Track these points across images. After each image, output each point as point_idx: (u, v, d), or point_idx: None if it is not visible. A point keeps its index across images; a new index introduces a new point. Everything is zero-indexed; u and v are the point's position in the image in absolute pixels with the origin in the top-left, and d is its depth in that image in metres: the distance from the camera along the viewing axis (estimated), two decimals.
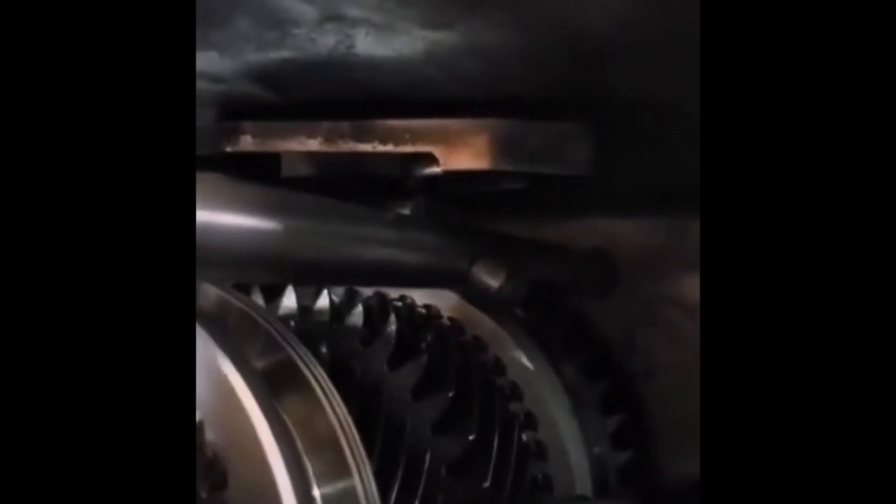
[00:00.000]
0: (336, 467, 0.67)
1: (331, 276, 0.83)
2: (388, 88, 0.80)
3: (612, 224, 1.33)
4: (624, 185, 1.16)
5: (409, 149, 0.83)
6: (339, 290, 1.02)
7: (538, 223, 1.30)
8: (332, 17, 0.68)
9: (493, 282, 0.85)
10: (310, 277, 0.83)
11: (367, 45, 0.72)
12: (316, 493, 0.65)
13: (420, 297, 1.08)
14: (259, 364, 0.69)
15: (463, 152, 0.82)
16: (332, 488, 0.66)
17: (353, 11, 0.67)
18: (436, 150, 0.83)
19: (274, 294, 0.91)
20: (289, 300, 0.91)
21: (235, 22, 0.72)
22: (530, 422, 1.00)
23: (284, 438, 0.63)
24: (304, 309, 0.89)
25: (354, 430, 0.69)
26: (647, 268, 1.37)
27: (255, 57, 0.78)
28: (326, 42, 0.72)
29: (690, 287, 1.37)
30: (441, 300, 1.08)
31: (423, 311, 1.04)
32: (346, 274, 0.80)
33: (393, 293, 1.08)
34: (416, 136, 0.83)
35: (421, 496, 0.76)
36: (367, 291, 1.04)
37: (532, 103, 0.83)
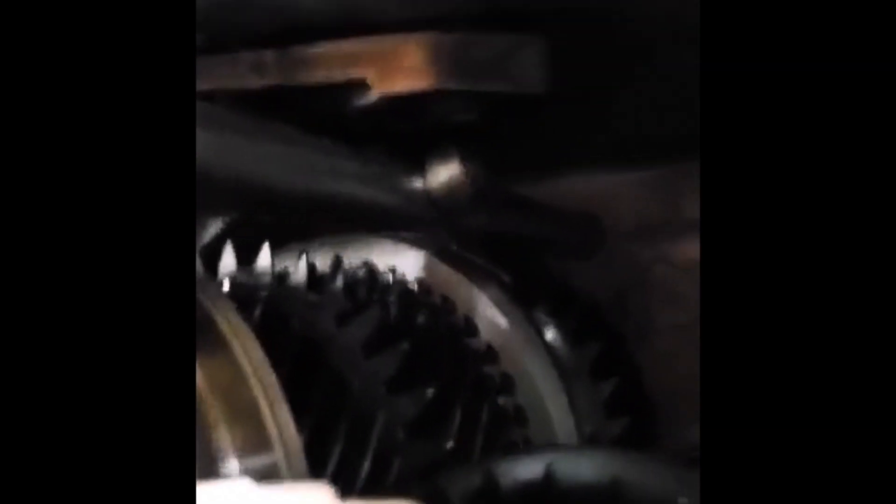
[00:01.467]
0: (255, 439, 0.58)
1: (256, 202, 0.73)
2: (300, 4, 0.71)
3: (595, 179, 1.25)
4: (600, 130, 1.07)
5: (339, 77, 0.74)
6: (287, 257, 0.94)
7: (513, 182, 1.22)
8: None
9: (445, 172, 0.75)
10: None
11: None
12: (230, 467, 0.56)
13: (385, 260, 1.01)
14: None
15: (399, 74, 0.73)
16: (251, 463, 0.57)
17: None
18: (369, 74, 0.73)
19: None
20: (227, 259, 0.83)
21: None
22: (507, 385, 0.91)
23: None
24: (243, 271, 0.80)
25: (281, 397, 0.60)
26: (637, 226, 1.29)
27: None
28: None
29: (685, 245, 1.28)
30: (410, 261, 1.01)
31: (388, 273, 0.96)
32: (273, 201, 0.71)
33: (355, 259, 1.00)
34: (348, 61, 0.74)
35: (373, 459, 0.67)
36: (326, 259, 0.97)
37: (469, 10, 0.73)
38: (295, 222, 0.86)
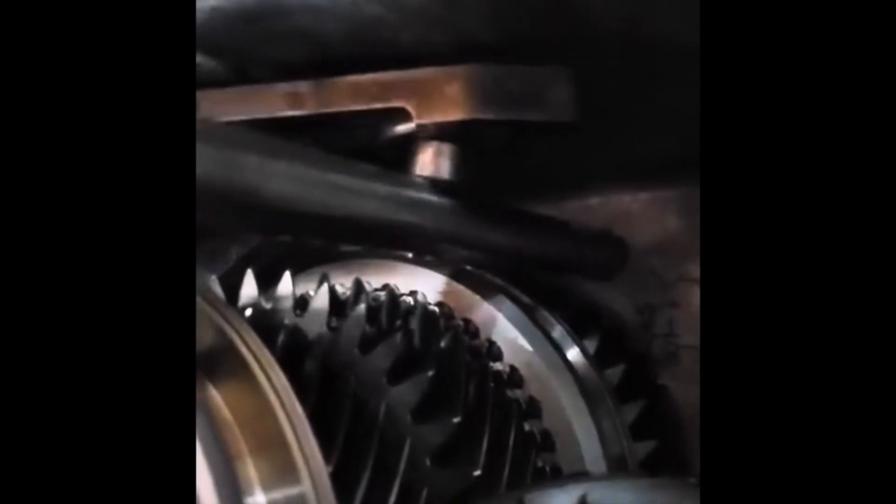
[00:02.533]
0: (283, 471, 0.57)
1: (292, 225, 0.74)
2: (332, 34, 0.71)
3: (618, 198, 1.24)
4: (625, 151, 1.07)
5: (379, 105, 0.74)
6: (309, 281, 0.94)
7: (538, 202, 1.21)
8: None
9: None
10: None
11: None
12: (257, 500, 0.55)
13: (407, 284, 1.00)
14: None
15: (437, 103, 0.74)
16: (279, 495, 0.56)
17: None
18: (408, 105, 0.74)
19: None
20: (249, 286, 0.82)
21: None
22: (533, 409, 0.90)
23: (211, 438, 0.54)
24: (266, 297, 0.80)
25: (308, 428, 0.59)
26: (660, 245, 1.27)
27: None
28: None
29: None
30: (431, 285, 1.00)
31: (408, 297, 0.95)
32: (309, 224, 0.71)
33: (377, 282, 1.00)
34: (385, 90, 0.75)
35: (400, 489, 0.66)
36: (348, 283, 0.96)
37: (501, 43, 0.74)
38: (327, 240, 0.86)
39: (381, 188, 0.74)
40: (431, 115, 0.73)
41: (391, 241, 0.87)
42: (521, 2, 0.69)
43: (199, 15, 0.70)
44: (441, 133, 0.74)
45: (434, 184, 0.78)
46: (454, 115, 0.73)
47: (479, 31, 0.71)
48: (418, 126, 0.74)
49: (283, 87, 0.75)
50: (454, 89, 0.72)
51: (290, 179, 0.66)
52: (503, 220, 0.94)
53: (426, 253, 0.97)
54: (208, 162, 0.60)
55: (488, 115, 0.73)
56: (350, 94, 0.74)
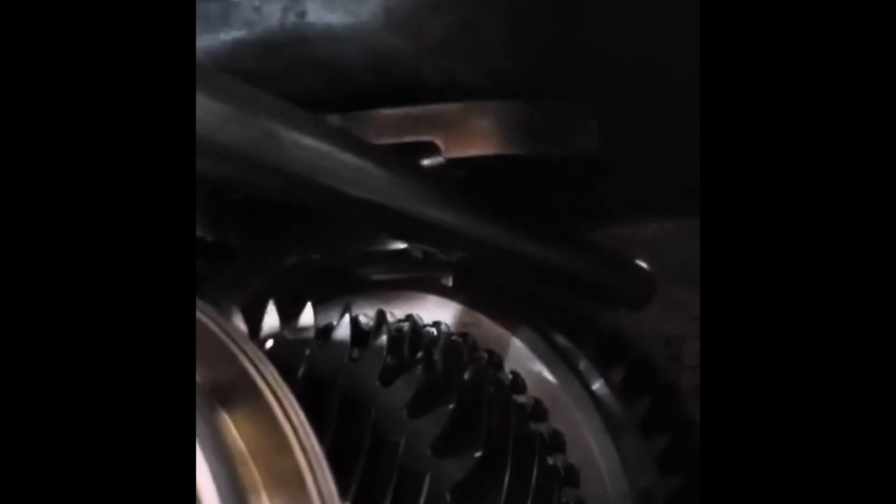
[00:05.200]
0: None
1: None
2: (354, 64, 0.71)
3: (644, 227, 1.23)
4: (651, 179, 1.06)
5: (408, 139, 0.75)
6: (331, 310, 0.93)
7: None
8: None
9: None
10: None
11: (318, 9, 0.64)
12: None
13: (430, 314, 0.99)
14: (207, 381, 0.59)
15: (466, 138, 0.76)
16: None
17: None
18: (436, 138, 0.75)
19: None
20: (270, 319, 0.82)
21: None
22: (557, 443, 0.89)
23: (225, 473, 0.53)
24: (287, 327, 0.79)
25: (325, 464, 0.59)
26: (689, 273, 1.25)
27: (204, 41, 0.70)
28: (272, 11, 0.64)
29: None
30: (454, 316, 0.99)
31: (431, 328, 0.94)
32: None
33: (400, 313, 0.99)
34: (414, 125, 0.76)
35: None
36: (370, 313, 0.96)
37: (523, 74, 0.74)
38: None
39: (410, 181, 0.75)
40: (460, 149, 0.74)
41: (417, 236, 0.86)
42: (540, 31, 0.69)
43: (222, 45, 0.70)
44: (470, 167, 0.75)
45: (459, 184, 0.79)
46: (483, 149, 0.74)
47: (501, 61, 0.72)
48: (447, 160, 0.74)
49: None
50: (483, 124, 0.74)
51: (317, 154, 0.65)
52: (528, 229, 0.93)
53: (445, 250, 0.96)
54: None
55: (516, 150, 0.73)
56: (380, 127, 0.75)
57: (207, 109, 0.50)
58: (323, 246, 1.01)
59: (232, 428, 0.59)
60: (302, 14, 0.64)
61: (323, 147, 0.59)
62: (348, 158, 0.61)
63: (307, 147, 0.57)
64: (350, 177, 0.63)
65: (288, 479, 0.57)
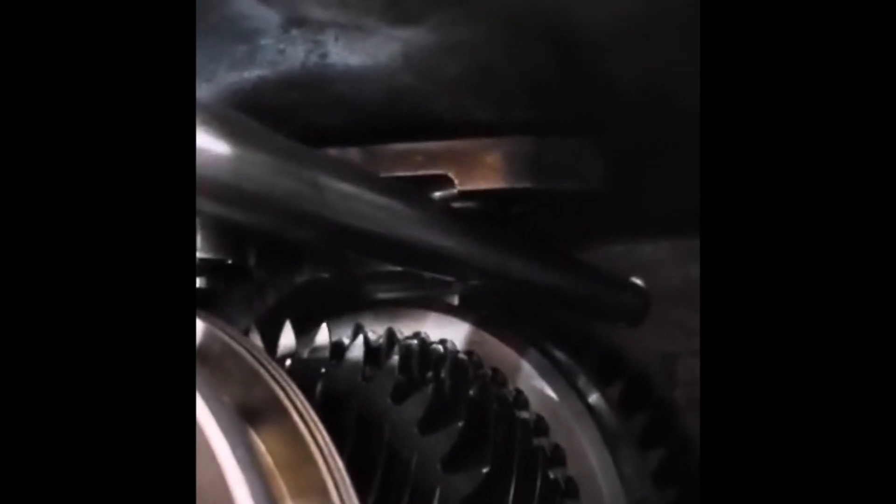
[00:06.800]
0: None
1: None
2: (372, 102, 0.75)
3: (641, 247, 1.27)
4: (649, 206, 1.10)
5: (422, 172, 0.80)
6: (341, 327, 0.97)
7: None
8: (296, 21, 0.64)
9: None
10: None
11: (339, 51, 0.68)
12: None
13: (436, 332, 1.03)
14: (237, 403, 0.63)
15: (477, 172, 0.80)
16: None
17: (317, 13, 0.63)
18: (450, 172, 0.80)
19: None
20: (287, 340, 0.86)
21: (204, 37, 0.69)
22: (558, 457, 0.93)
23: (259, 484, 0.57)
24: (304, 347, 0.83)
25: (346, 475, 0.63)
26: (684, 292, 1.29)
27: (230, 77, 0.74)
28: (296, 53, 0.68)
29: None
30: (459, 334, 1.03)
31: (438, 346, 0.98)
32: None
33: (407, 330, 1.03)
34: (428, 159, 0.81)
35: None
36: (379, 330, 0.99)
37: (533, 112, 0.79)
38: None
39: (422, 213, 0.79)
40: (472, 182, 0.79)
41: (425, 264, 0.90)
42: (548, 73, 0.73)
43: (245, 83, 0.74)
44: (481, 199, 0.79)
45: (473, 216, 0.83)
46: (493, 183, 0.78)
47: (511, 100, 0.76)
48: (460, 192, 0.79)
49: (333, 153, 0.80)
50: (494, 159, 0.79)
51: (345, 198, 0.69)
52: (529, 251, 0.98)
53: (455, 278, 1.01)
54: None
55: (525, 185, 0.78)
56: (395, 161, 0.79)
57: (255, 163, 0.54)
58: (332, 265, 1.05)
59: (261, 445, 0.63)
60: (324, 55, 0.68)
61: (361, 192, 0.64)
62: (383, 201, 0.66)
63: (347, 194, 0.62)
64: (384, 218, 0.68)
65: (313, 490, 0.61)
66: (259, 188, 0.55)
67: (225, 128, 0.54)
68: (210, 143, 0.53)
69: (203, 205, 0.55)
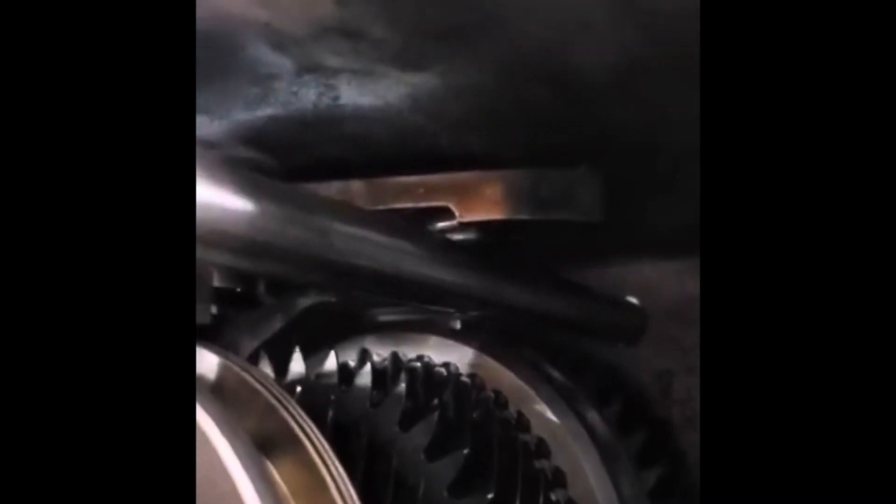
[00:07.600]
0: None
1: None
2: (380, 139, 0.78)
3: (639, 269, 1.29)
4: (647, 228, 1.13)
5: (424, 204, 0.82)
6: (351, 353, 1.00)
7: (562, 272, 1.26)
8: (310, 68, 0.67)
9: None
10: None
11: (350, 93, 0.71)
12: None
13: (438, 355, 1.05)
14: (254, 434, 0.66)
15: (478, 204, 0.83)
16: None
17: (330, 60, 0.66)
18: (451, 203, 0.82)
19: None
20: (296, 365, 0.88)
21: (218, 81, 0.71)
22: (559, 479, 0.95)
23: None
24: (312, 374, 0.86)
25: (358, 502, 0.65)
26: (680, 310, 1.32)
27: (243, 116, 0.77)
28: (308, 95, 0.71)
29: None
30: (461, 357, 1.05)
31: (441, 369, 1.01)
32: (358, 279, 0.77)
33: (410, 353, 1.05)
34: (430, 191, 0.83)
35: None
36: (383, 352, 1.02)
37: (532, 148, 0.81)
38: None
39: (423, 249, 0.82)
40: (473, 213, 0.81)
41: (430, 299, 0.93)
42: (548, 112, 0.75)
43: (257, 121, 0.77)
44: (481, 230, 0.82)
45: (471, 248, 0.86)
46: (493, 214, 0.81)
47: (512, 136, 0.78)
48: (461, 223, 0.81)
49: (337, 186, 0.83)
50: (493, 191, 0.81)
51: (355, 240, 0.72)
52: (528, 280, 1.00)
53: (458, 310, 1.03)
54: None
55: (524, 216, 0.80)
56: (398, 193, 0.82)
57: (268, 214, 0.57)
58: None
59: (273, 472, 0.65)
60: (336, 98, 0.71)
61: (368, 234, 0.67)
62: (385, 240, 0.69)
63: (354, 237, 0.65)
64: (387, 257, 0.70)
65: None
66: (270, 238, 0.58)
67: (236, 182, 0.57)
68: (223, 199, 0.56)
69: (212, 256, 0.58)
